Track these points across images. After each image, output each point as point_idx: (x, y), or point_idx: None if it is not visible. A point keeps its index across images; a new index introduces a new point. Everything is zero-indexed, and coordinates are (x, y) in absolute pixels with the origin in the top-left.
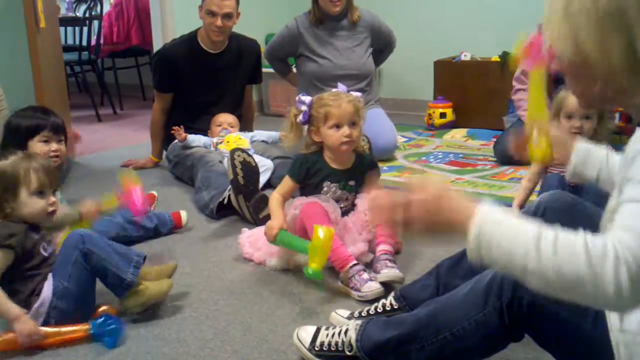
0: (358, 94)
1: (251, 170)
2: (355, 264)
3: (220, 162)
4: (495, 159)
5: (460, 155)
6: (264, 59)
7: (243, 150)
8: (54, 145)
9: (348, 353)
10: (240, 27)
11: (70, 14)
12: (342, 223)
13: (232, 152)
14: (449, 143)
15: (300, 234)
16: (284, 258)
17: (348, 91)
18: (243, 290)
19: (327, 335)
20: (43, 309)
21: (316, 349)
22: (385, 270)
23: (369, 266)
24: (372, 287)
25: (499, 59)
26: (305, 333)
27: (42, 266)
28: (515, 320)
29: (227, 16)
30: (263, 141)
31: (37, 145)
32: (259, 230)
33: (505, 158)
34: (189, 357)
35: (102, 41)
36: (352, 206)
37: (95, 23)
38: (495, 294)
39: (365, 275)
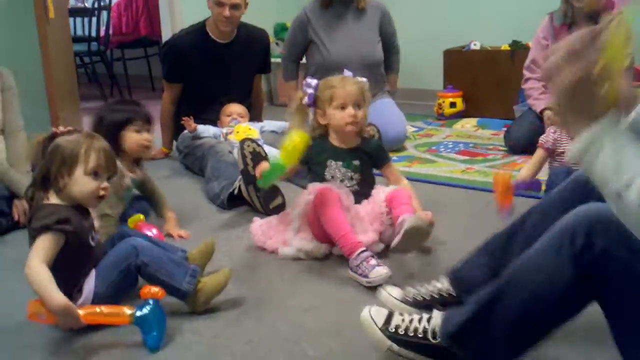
0: (363, 79)
1: (261, 160)
2: (363, 250)
3: (230, 152)
4: (506, 149)
5: (471, 145)
6: (273, 49)
7: (253, 141)
8: (145, 135)
9: (433, 341)
10: (248, 17)
11: (79, 5)
12: (355, 211)
13: (242, 142)
14: (459, 132)
15: (313, 220)
16: (296, 247)
17: (354, 76)
18: (255, 279)
19: (404, 320)
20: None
21: (390, 330)
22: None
23: (380, 256)
24: (379, 272)
25: (508, 48)
26: (379, 313)
27: (87, 258)
28: (589, 268)
29: (235, 6)
30: (272, 131)
31: (130, 135)
32: (271, 219)
33: (516, 147)
34: (201, 346)
35: (111, 32)
36: (360, 189)
37: (104, 14)
38: (568, 240)
39: (373, 261)
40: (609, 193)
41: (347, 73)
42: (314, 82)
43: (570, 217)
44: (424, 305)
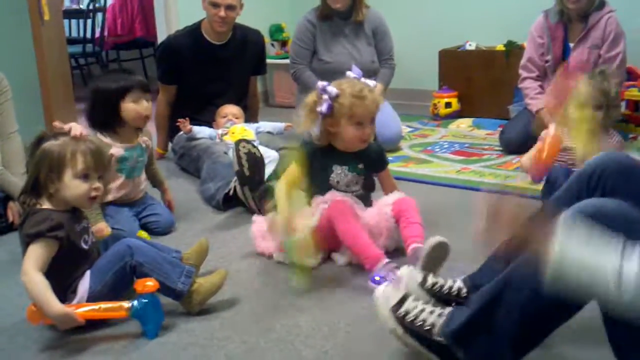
0: (373, 82)
1: (256, 161)
2: (387, 262)
3: (226, 153)
4: (501, 149)
5: (466, 145)
6: (269, 50)
7: (248, 142)
8: (144, 104)
9: (437, 337)
10: (243, 18)
11: (74, 6)
12: (364, 220)
13: (237, 143)
14: (455, 133)
15: (325, 229)
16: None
17: (362, 76)
18: (249, 280)
19: (416, 307)
20: None
21: (400, 313)
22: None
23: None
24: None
25: (504, 48)
26: (393, 293)
27: (81, 260)
28: None
29: (231, 7)
30: (268, 132)
31: (128, 106)
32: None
33: (511, 147)
34: (196, 347)
35: (106, 33)
36: (364, 193)
37: (99, 15)
38: None
39: (398, 272)
40: (600, 296)
41: (356, 71)
42: (333, 91)
43: (568, 212)
44: (441, 298)
